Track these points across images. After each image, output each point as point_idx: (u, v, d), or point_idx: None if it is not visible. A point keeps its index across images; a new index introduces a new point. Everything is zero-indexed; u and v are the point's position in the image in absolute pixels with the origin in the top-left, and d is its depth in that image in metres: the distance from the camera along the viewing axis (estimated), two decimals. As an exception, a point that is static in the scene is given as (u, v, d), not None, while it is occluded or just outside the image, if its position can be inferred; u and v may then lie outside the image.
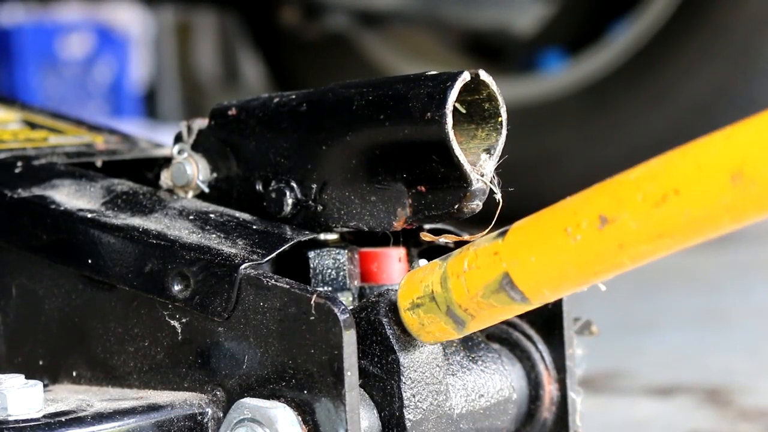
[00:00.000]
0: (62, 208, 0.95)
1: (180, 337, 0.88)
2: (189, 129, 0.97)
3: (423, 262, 0.94)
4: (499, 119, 0.84)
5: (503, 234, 0.78)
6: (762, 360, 1.84)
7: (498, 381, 0.91)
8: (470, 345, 0.91)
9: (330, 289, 0.91)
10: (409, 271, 0.93)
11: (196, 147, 0.97)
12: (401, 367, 0.83)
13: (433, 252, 0.95)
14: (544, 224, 0.75)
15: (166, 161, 1.00)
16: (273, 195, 0.93)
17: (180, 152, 0.98)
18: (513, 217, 0.80)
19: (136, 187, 0.98)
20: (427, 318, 0.82)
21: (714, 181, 0.66)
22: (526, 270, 0.76)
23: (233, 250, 0.87)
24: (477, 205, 0.84)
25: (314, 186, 0.91)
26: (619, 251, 0.71)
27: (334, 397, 0.80)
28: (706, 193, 0.67)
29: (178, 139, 0.98)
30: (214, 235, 0.90)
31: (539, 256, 0.75)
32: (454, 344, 0.90)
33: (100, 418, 0.83)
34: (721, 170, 0.66)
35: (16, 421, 0.81)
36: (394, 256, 0.93)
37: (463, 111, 0.84)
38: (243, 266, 0.85)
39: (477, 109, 0.85)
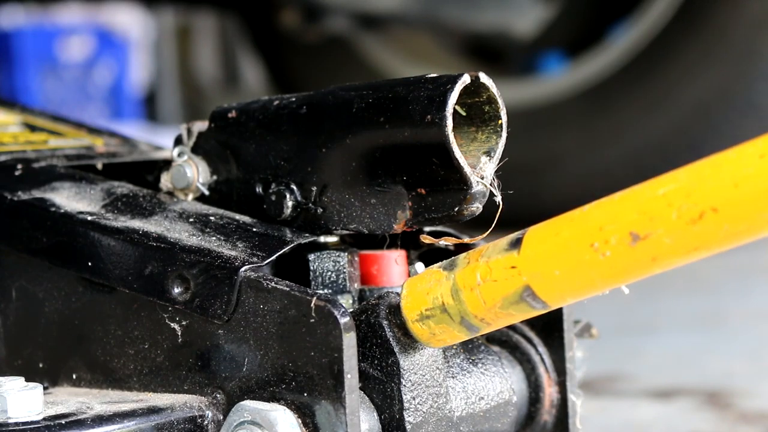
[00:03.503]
0: (62, 211, 0.95)
1: (180, 340, 0.88)
2: (189, 132, 0.97)
3: (420, 265, 0.94)
4: (499, 122, 0.84)
5: (517, 245, 0.77)
6: (762, 363, 1.84)
7: (498, 383, 0.91)
8: (470, 347, 0.91)
9: (330, 291, 0.91)
10: (409, 274, 0.93)
11: (196, 150, 0.97)
12: (401, 370, 0.83)
13: (433, 254, 0.95)
14: (565, 238, 0.75)
15: (166, 164, 1.00)
16: (273, 197, 0.93)
17: (180, 155, 0.97)
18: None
19: (136, 190, 0.98)
20: (438, 328, 0.81)
21: (755, 198, 0.66)
22: (550, 283, 0.76)
23: (233, 253, 0.87)
24: (477, 207, 0.84)
25: (314, 188, 0.91)
26: (652, 263, 0.71)
27: (334, 400, 0.80)
28: (746, 210, 0.67)
29: (178, 141, 0.98)
30: (214, 238, 0.90)
31: (564, 270, 0.74)
32: (454, 347, 0.90)
33: (100, 420, 0.83)
34: (762, 188, 0.66)
35: (16, 424, 0.81)
36: (394, 259, 0.93)
37: (463, 113, 0.84)
38: (243, 269, 0.85)
39: (477, 112, 0.84)
